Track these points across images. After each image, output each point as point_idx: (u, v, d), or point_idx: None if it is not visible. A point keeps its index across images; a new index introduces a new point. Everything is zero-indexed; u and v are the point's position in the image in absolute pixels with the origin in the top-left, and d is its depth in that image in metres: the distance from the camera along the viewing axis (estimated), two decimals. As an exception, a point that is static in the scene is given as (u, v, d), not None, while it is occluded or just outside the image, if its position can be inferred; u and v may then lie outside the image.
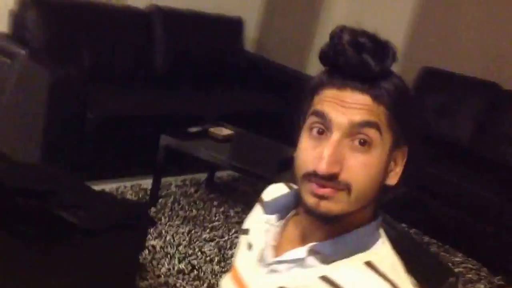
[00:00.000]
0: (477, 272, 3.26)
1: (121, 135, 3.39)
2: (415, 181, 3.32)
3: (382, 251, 1.01)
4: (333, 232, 0.99)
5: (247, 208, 3.36)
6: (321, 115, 0.95)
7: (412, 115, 1.01)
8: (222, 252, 2.93)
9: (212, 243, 2.99)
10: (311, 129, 0.97)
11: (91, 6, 3.78)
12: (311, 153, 0.95)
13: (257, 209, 1.22)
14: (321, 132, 0.96)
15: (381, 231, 1.04)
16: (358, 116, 0.93)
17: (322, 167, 0.92)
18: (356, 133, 0.94)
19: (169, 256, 2.77)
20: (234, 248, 2.99)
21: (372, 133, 0.94)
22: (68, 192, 2.02)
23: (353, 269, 0.97)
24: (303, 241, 1.03)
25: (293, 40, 5.21)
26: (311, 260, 1.01)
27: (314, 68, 4.95)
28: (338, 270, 0.98)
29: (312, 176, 0.94)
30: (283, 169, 3.13)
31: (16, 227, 1.84)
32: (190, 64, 4.25)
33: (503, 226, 3.25)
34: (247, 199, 3.57)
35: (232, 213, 3.36)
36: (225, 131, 3.37)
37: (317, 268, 1.00)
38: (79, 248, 2.02)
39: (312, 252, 1.00)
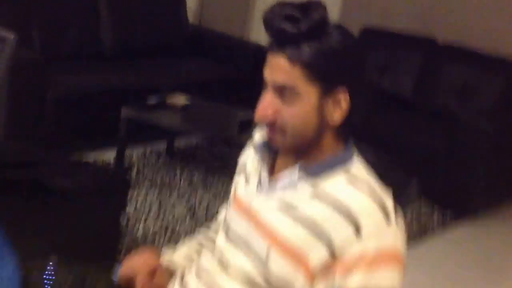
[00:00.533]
0: (430, 209, 3.55)
1: (81, 111, 3.48)
2: (363, 134, 3.54)
3: (358, 166, 1.21)
4: (310, 155, 1.20)
5: (208, 172, 3.56)
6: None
7: (345, 65, 1.16)
8: (192, 212, 3.08)
9: (181, 206, 3.14)
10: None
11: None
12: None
13: (249, 150, 1.38)
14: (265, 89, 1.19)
15: (354, 152, 1.23)
16: (278, 78, 1.15)
17: (255, 117, 1.18)
18: (281, 90, 1.15)
19: (142, 221, 2.91)
20: (203, 208, 3.15)
21: (291, 92, 1.14)
22: (52, 162, 2.12)
23: (337, 183, 1.17)
24: (292, 166, 1.21)
25: (233, 9, 5.35)
26: (302, 181, 1.19)
27: (256, 34, 5.14)
28: (324, 185, 1.17)
29: (264, 125, 1.20)
30: (243, 130, 3.30)
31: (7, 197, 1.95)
32: (136, 40, 4.33)
33: (449, 167, 3.53)
34: (207, 164, 3.73)
35: (195, 177, 3.51)
36: (182, 100, 3.50)
37: (307, 186, 1.18)
38: (65, 212, 2.14)
39: (302, 173, 1.18)
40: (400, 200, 1.20)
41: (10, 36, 2.03)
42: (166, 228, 2.87)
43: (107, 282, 1.37)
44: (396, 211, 1.16)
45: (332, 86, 1.15)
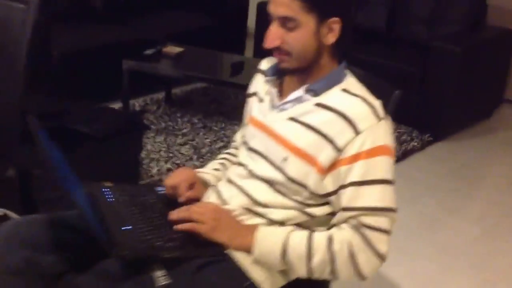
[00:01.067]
0: (409, 135, 3.89)
1: (84, 66, 3.75)
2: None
3: (351, 81, 1.53)
4: (312, 77, 1.51)
5: (207, 114, 3.86)
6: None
7: None
8: (197, 151, 3.40)
9: (187, 146, 3.46)
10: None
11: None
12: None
13: (258, 77, 1.69)
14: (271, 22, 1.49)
15: (347, 70, 1.54)
16: (281, 11, 1.44)
17: (264, 44, 1.47)
18: (284, 21, 1.43)
19: (154, 160, 3.23)
20: (206, 146, 3.47)
21: (292, 22, 1.44)
22: (77, 110, 2.42)
23: (335, 95, 1.49)
24: (298, 87, 1.52)
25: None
26: (307, 96, 1.51)
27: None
28: (325, 97, 1.49)
29: (273, 50, 1.49)
30: (235, 73, 3.60)
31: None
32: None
33: (425, 93, 3.86)
34: (204, 107, 4.04)
35: (195, 120, 3.82)
36: (177, 49, 3.78)
37: (311, 100, 1.50)
38: (92, 153, 2.44)
39: (307, 90, 1.50)
40: (386, 107, 1.52)
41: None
42: (178, 165, 3.20)
43: (156, 196, 1.68)
44: (384, 112, 1.48)
45: (327, 15, 1.44)
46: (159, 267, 1.41)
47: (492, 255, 2.79)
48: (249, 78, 1.78)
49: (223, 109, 4.04)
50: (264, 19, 1.70)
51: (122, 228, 1.45)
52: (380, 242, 1.43)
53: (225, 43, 4.40)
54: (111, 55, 3.79)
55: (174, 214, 1.51)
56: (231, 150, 1.84)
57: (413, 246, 2.79)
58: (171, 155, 3.32)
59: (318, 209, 1.51)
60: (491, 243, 2.90)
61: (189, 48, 3.82)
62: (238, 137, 1.84)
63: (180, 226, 1.48)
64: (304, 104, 1.51)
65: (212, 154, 3.33)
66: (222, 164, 1.78)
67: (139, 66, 3.58)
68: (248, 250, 1.47)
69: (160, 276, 1.40)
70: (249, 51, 4.83)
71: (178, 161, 3.25)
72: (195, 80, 3.72)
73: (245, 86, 1.80)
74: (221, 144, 3.48)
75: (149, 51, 3.71)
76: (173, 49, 3.77)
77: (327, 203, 1.51)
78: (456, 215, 3.11)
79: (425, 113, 3.91)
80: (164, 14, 4.64)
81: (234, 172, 1.64)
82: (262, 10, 4.46)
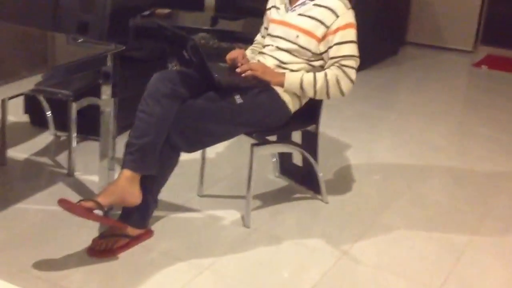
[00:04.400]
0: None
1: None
2: None
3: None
4: None
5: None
6: None
7: None
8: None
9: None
10: None
11: None
12: None
13: (271, -3, 2.95)
14: None
15: None
16: None
17: None
18: None
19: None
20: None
21: None
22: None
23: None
24: None
25: None
26: (308, 1, 2.78)
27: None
28: (319, 0, 2.76)
29: None
30: (215, 24, 4.82)
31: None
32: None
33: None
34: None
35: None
36: (165, 11, 4.95)
37: (310, 3, 2.78)
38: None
39: None
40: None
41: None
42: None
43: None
44: (350, 6, 2.78)
45: None
46: (237, 93, 2.65)
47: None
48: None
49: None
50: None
51: (216, 75, 2.68)
52: (352, 73, 2.74)
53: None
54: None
55: (242, 67, 2.75)
56: (255, 44, 3.09)
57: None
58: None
59: (317, 62, 2.80)
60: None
61: (175, 10, 5.01)
62: (258, 36, 3.10)
63: (247, 72, 2.72)
64: (306, 6, 2.78)
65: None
66: (252, 50, 3.04)
67: (142, 22, 4.72)
68: (281, 84, 2.74)
69: (238, 97, 2.65)
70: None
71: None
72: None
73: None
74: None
75: (145, 13, 4.87)
76: (163, 11, 4.95)
77: (321, 59, 2.80)
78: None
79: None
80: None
81: (265, 50, 2.90)
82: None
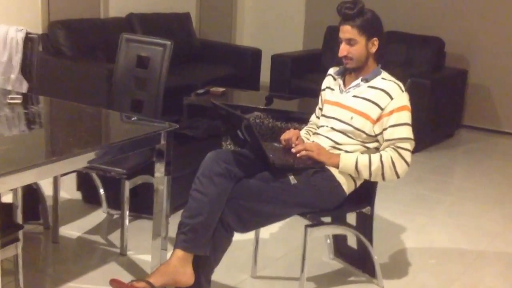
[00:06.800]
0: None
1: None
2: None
3: (386, 73, 2.82)
4: (364, 73, 2.79)
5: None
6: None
7: (375, 27, 2.78)
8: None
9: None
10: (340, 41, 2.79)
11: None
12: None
13: (328, 78, 2.97)
14: (341, 42, 2.77)
15: (381, 69, 2.84)
16: (347, 35, 2.73)
17: (339, 54, 2.75)
18: (349, 41, 2.73)
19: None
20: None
21: (353, 41, 2.73)
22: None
23: (378, 80, 2.78)
24: (355, 79, 2.81)
25: (222, 22, 6.99)
26: (362, 83, 2.80)
27: (239, 40, 6.81)
28: (373, 82, 2.77)
29: (342, 58, 2.77)
30: (268, 104, 4.89)
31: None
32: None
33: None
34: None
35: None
36: (220, 89, 5.05)
37: (365, 85, 2.79)
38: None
39: (362, 79, 2.79)
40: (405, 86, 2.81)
41: (168, 42, 3.38)
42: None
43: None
44: (406, 88, 2.77)
45: (371, 36, 2.74)
46: (291, 173, 2.64)
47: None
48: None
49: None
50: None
51: (270, 155, 2.67)
52: (407, 156, 2.70)
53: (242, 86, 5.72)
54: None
55: (297, 148, 2.74)
56: (309, 125, 3.10)
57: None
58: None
59: (371, 144, 2.78)
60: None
61: (228, 89, 5.11)
62: (313, 117, 3.10)
63: (302, 153, 2.71)
64: (361, 88, 2.79)
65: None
66: (307, 130, 3.04)
67: (197, 100, 4.81)
68: (336, 165, 2.71)
69: (292, 178, 2.63)
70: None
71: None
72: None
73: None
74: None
75: (200, 91, 4.97)
76: (217, 90, 5.04)
77: (376, 141, 2.77)
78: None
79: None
80: (197, 66, 5.96)
81: (320, 131, 2.89)
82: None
